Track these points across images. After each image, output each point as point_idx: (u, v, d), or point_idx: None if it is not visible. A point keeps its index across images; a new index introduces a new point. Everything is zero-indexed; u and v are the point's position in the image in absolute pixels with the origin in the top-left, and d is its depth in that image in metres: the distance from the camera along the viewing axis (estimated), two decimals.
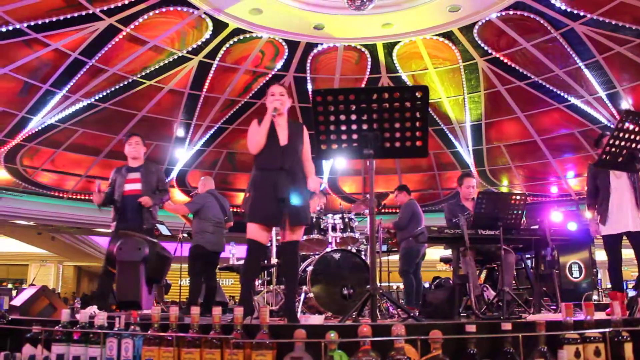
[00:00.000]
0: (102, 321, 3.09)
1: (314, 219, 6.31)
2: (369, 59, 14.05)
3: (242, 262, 6.15)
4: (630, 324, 2.99)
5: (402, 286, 9.84)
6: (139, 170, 5.99)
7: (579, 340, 2.76)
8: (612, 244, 5.58)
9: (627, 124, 4.13)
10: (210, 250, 6.78)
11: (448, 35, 13.05)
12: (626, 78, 13.04)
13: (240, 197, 16.61)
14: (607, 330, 2.82)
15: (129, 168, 6.02)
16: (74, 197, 15.69)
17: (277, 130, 4.25)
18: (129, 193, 5.85)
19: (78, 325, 3.12)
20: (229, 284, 20.63)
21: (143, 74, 13.54)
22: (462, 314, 5.16)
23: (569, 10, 11.59)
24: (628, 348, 2.80)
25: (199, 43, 13.05)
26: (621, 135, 4.13)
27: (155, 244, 4.83)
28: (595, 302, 9.37)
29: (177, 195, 16.40)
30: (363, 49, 13.76)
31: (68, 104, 13.46)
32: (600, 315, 3.13)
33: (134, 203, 5.77)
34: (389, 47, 13.65)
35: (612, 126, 12.84)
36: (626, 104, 13.26)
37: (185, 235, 8.24)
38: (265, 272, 6.53)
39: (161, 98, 14.43)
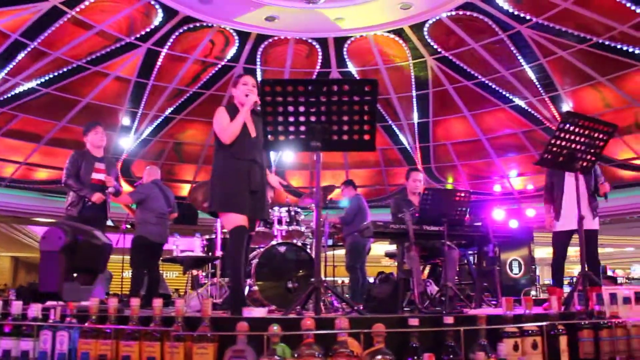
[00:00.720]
0: (36, 313, 2.98)
1: None
2: (320, 53, 14.05)
3: (186, 254, 6.06)
4: (566, 318, 3.08)
5: (347, 281, 9.90)
6: (103, 161, 6.04)
7: (517, 334, 2.82)
8: (562, 240, 5.79)
9: (567, 125, 4.25)
10: (154, 241, 6.65)
11: (399, 33, 13.18)
12: (568, 82, 13.49)
13: (186, 189, 16.35)
14: (544, 324, 2.90)
15: (95, 157, 5.99)
16: (13, 184, 15.10)
17: (247, 122, 4.25)
18: (96, 182, 5.86)
19: (10, 318, 2.99)
20: (173, 276, 20.30)
21: (88, 59, 13.12)
22: (405, 309, 5.22)
23: (516, 13, 11.88)
24: (563, 341, 2.89)
25: (148, 30, 12.75)
26: (562, 135, 4.25)
27: (87, 232, 4.68)
28: (534, 298, 9.66)
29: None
30: (314, 43, 13.74)
31: (7, 87, 12.92)
32: (538, 310, 3.22)
33: (100, 192, 5.80)
34: (340, 42, 13.68)
35: (554, 128, 13.24)
36: (567, 106, 13.70)
37: (129, 226, 8.05)
38: (210, 264, 6.44)
39: (107, 85, 14.04)
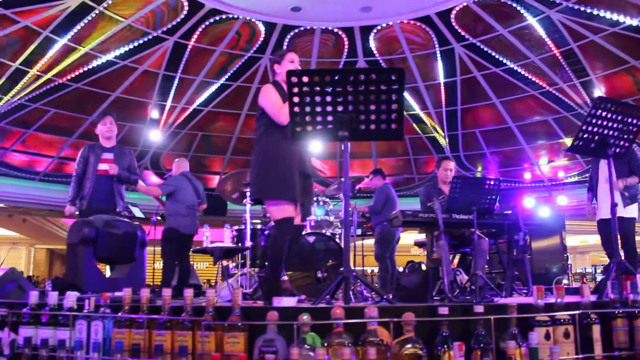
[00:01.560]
0: (72, 303, 3.05)
1: None
2: (346, 43, 13.99)
3: (215, 245, 6.12)
4: (599, 307, 3.03)
5: (376, 270, 9.89)
6: (112, 150, 5.90)
7: (549, 323, 2.79)
8: (603, 228, 5.72)
9: (599, 111, 4.17)
10: (184, 232, 6.73)
11: (425, 20, 13.04)
12: (599, 66, 13.21)
13: (215, 180, 16.49)
14: (576, 312, 2.86)
15: (103, 147, 5.89)
16: (46, 178, 15.42)
17: None
18: (102, 173, 5.75)
19: (47, 308, 3.07)
20: (203, 267, 20.54)
21: (117, 54, 13.30)
22: (435, 298, 5.20)
23: None
24: (596, 330, 2.85)
25: (174, 23, 12.85)
26: (594, 121, 4.17)
27: (107, 222, 4.73)
28: (566, 286, 9.53)
29: (152, 177, 16.25)
30: (340, 32, 13.69)
31: (39, 83, 13.18)
32: (570, 299, 3.18)
33: (106, 183, 5.72)
34: (367, 31, 13.60)
35: (585, 114, 13.01)
36: (599, 92, 13.43)
37: (159, 217, 8.16)
38: (240, 254, 6.49)
39: (135, 79, 14.22)
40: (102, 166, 5.77)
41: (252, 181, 4.17)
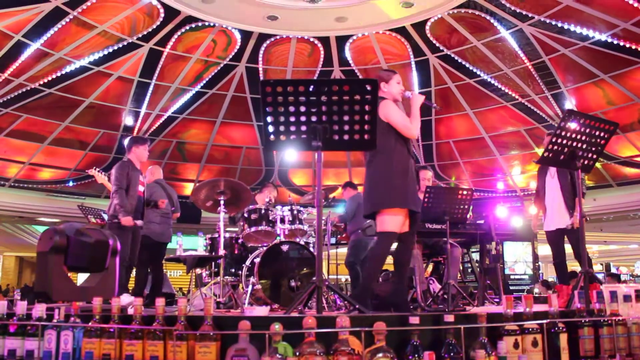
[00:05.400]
0: (41, 313, 3.00)
1: (263, 211, 6.27)
2: (322, 52, 14.05)
3: (189, 253, 6.07)
4: (566, 316, 3.09)
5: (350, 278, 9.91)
6: (141, 173, 6.34)
7: (518, 332, 2.83)
8: (552, 239, 5.84)
9: (569, 124, 4.25)
10: (157, 240, 6.67)
11: (400, 31, 13.17)
12: (570, 79, 13.47)
13: (189, 188, 16.36)
14: (544, 321, 2.91)
15: (138, 170, 6.25)
16: (17, 185, 15.15)
17: None
18: (141, 194, 6.23)
19: (15, 317, 3.02)
20: (177, 275, 20.36)
21: (91, 59, 13.17)
22: None
23: (518, 10, 11.87)
24: (563, 338, 2.90)
25: (150, 30, 12.77)
26: (563, 133, 4.24)
27: (79, 230, 4.69)
28: (537, 295, 9.67)
29: None
30: (316, 42, 13.75)
31: (10, 88, 12.97)
32: (539, 307, 3.23)
33: (140, 205, 6.19)
34: (342, 41, 13.68)
35: (556, 125, 13.24)
36: (570, 104, 13.69)
37: None
38: (213, 263, 6.45)
39: (109, 85, 14.08)
40: (141, 188, 6.23)
41: (375, 192, 4.18)
